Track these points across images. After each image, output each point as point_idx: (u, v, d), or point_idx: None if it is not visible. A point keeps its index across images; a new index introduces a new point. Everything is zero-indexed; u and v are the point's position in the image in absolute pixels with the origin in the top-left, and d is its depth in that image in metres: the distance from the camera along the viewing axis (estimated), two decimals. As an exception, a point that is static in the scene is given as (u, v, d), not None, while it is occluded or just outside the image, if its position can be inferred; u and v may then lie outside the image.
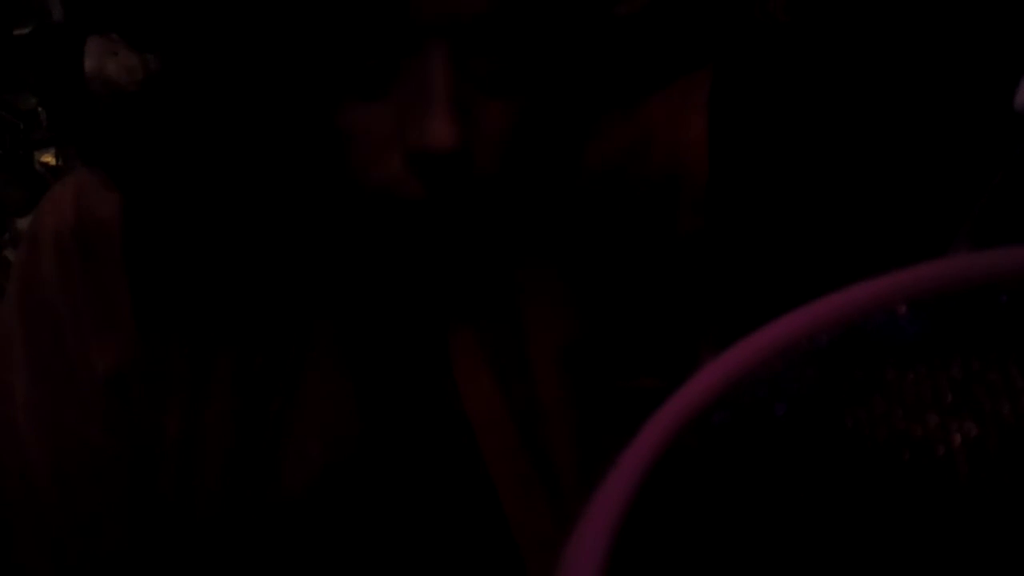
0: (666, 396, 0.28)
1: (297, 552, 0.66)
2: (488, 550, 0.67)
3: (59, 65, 2.50)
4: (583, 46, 0.64)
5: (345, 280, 0.69)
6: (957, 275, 0.26)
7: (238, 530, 0.65)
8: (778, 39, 0.63)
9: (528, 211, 0.70)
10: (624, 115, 0.71)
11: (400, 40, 0.57)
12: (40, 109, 2.53)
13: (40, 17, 2.52)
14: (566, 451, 0.67)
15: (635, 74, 0.70)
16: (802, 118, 0.56)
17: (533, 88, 0.62)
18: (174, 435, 0.65)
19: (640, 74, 0.70)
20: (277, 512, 0.65)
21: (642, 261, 0.70)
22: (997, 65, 0.43)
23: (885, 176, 0.51)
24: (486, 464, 0.67)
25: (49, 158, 2.59)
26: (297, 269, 0.69)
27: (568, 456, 0.67)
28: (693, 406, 0.28)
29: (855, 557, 0.24)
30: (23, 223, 2.57)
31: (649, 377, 0.71)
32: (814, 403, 0.26)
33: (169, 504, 0.66)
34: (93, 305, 0.67)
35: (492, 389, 0.68)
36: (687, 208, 0.68)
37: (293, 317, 0.67)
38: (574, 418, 0.68)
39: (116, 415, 0.66)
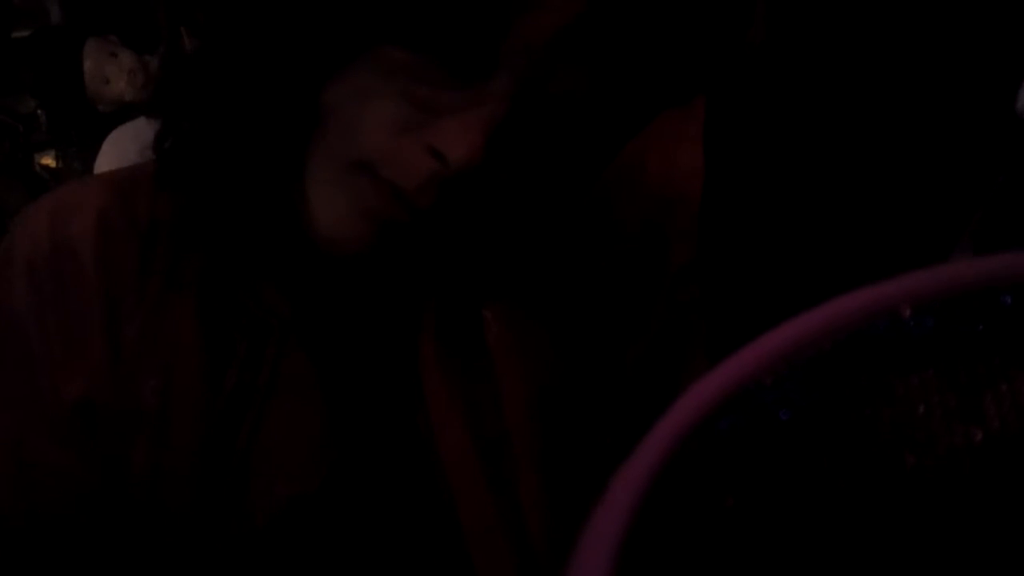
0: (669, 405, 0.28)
1: None
2: None
3: (58, 67, 2.50)
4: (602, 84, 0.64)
5: (320, 304, 0.69)
6: (960, 279, 0.26)
7: (203, 558, 0.65)
8: (769, 65, 0.63)
9: (505, 245, 0.70)
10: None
11: (486, 57, 0.58)
12: (39, 112, 2.54)
13: (38, 20, 2.52)
14: (534, 496, 0.67)
15: (626, 107, 0.70)
16: (800, 136, 0.56)
17: (553, 124, 0.62)
18: (140, 467, 0.65)
19: (631, 107, 0.70)
20: (241, 543, 0.65)
21: (628, 296, 0.70)
22: (997, 70, 0.43)
23: (886, 184, 0.51)
24: (454, 505, 0.67)
25: (49, 160, 2.59)
26: (276, 280, 0.69)
27: (536, 501, 0.67)
28: (699, 411, 0.28)
29: (860, 559, 0.25)
30: (23, 226, 2.58)
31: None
32: (819, 408, 0.26)
33: (135, 532, 0.65)
34: (63, 328, 0.66)
35: (462, 431, 0.67)
36: (679, 237, 0.68)
37: (264, 346, 0.67)
38: (543, 462, 0.68)
39: (83, 441, 0.66)
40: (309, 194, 0.63)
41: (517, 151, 0.61)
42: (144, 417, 0.65)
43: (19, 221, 0.72)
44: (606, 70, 0.61)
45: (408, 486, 0.67)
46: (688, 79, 0.69)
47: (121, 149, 2.15)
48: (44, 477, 0.67)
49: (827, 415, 0.26)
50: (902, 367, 0.25)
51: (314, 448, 0.66)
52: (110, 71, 2.51)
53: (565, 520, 0.67)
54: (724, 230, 0.65)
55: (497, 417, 0.68)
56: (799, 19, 0.60)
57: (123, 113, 2.45)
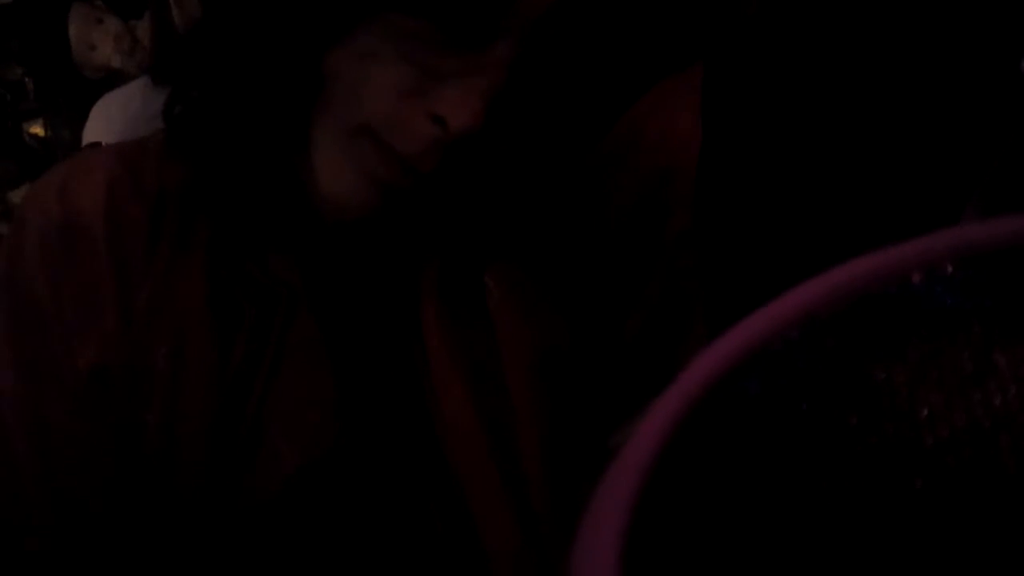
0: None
1: (271, 549, 0.66)
2: (457, 556, 0.68)
3: (44, 34, 2.47)
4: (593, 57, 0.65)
5: (326, 270, 0.70)
6: (970, 243, 0.26)
7: (215, 525, 0.66)
8: (766, 35, 0.62)
9: (506, 207, 0.71)
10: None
11: (489, 24, 0.58)
12: (27, 79, 2.51)
13: (23, -14, 2.49)
14: (535, 460, 0.68)
15: (625, 75, 0.70)
16: (798, 101, 0.56)
17: (547, 99, 0.63)
18: (153, 431, 0.66)
19: (630, 75, 0.70)
20: (252, 509, 0.66)
21: (627, 262, 0.71)
22: (1005, 29, 0.43)
23: (891, 147, 0.51)
24: (457, 468, 0.68)
25: (37, 129, 2.56)
26: (283, 248, 0.69)
27: (537, 465, 0.68)
28: (708, 376, 0.28)
29: (873, 531, 0.25)
30: (15, 195, 2.56)
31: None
32: (829, 374, 0.26)
33: (149, 497, 0.66)
34: (76, 298, 0.68)
35: (464, 397, 0.68)
36: (677, 204, 0.68)
37: (272, 314, 0.68)
38: (545, 427, 0.69)
39: (99, 407, 0.67)
40: (314, 159, 0.64)
41: (517, 117, 0.61)
42: (157, 381, 0.66)
43: (30, 195, 0.74)
44: (605, 38, 0.61)
45: (412, 451, 0.67)
46: (685, 47, 0.69)
47: (109, 116, 2.14)
48: (60, 443, 0.68)
49: (837, 380, 0.27)
50: (914, 333, 0.25)
51: (322, 413, 0.67)
52: (96, 37, 2.48)
53: (567, 483, 0.68)
54: (721, 198, 0.65)
55: (499, 382, 0.68)
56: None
57: (111, 79, 2.42)
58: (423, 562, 0.68)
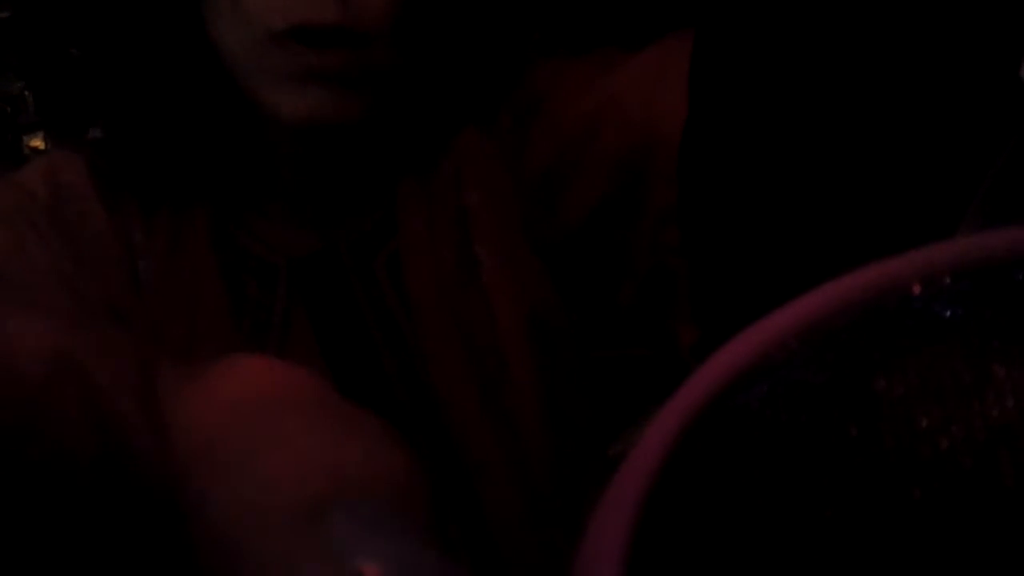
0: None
1: None
2: (461, 524, 0.68)
3: (44, 48, 2.47)
4: None
5: (312, 233, 0.71)
6: (972, 254, 0.26)
7: None
8: (761, 10, 0.62)
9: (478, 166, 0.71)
10: (596, 76, 0.72)
11: None
12: (26, 93, 2.51)
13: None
14: (533, 423, 0.69)
15: (599, 23, 0.71)
16: (790, 94, 0.56)
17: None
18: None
19: (606, 26, 0.71)
20: None
21: (614, 236, 0.71)
22: (1003, 35, 0.43)
23: (885, 154, 0.51)
24: (458, 444, 0.68)
25: (37, 142, 2.57)
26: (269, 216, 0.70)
27: (536, 435, 0.69)
28: (711, 387, 0.28)
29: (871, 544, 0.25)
30: (13, 208, 2.57)
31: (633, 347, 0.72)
32: (831, 386, 0.26)
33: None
34: (79, 261, 0.68)
35: (461, 369, 0.69)
36: (660, 180, 0.68)
37: (274, 287, 0.69)
38: (543, 397, 0.69)
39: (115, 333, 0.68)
40: (261, 99, 0.65)
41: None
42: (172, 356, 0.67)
43: (7, 180, 0.74)
44: None
45: (413, 424, 0.68)
46: (675, 11, 0.69)
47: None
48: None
49: (837, 392, 0.27)
50: (914, 343, 0.26)
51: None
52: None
53: (566, 452, 0.69)
54: (709, 175, 0.65)
55: (495, 353, 0.69)
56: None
57: (110, 93, 2.43)
58: None
